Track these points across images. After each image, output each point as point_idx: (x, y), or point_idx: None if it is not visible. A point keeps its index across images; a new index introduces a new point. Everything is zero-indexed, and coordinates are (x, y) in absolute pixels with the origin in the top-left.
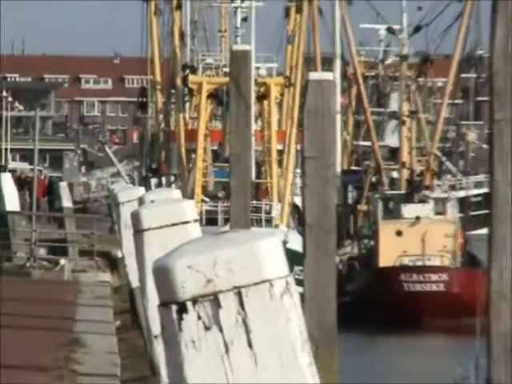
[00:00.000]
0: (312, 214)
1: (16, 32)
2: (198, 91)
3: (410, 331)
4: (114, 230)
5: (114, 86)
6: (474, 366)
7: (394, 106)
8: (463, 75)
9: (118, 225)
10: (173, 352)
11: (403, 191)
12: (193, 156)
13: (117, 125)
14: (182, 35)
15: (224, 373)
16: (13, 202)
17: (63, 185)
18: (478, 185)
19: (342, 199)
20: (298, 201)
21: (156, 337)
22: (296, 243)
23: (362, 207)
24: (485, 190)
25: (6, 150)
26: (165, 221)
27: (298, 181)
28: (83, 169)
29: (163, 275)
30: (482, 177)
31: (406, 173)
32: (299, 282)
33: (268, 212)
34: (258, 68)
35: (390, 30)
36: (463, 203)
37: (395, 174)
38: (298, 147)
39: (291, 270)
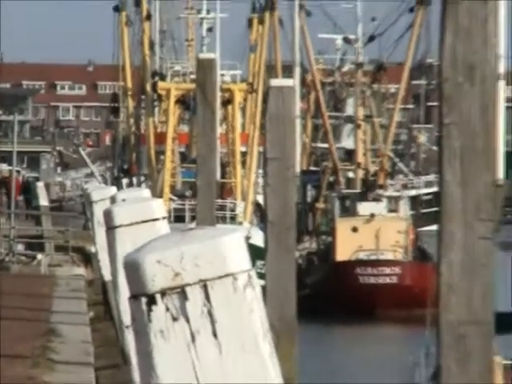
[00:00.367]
0: (273, 212)
1: None
2: (166, 97)
3: (365, 321)
4: (87, 226)
5: (88, 92)
6: (425, 354)
7: (349, 110)
8: (414, 82)
9: (91, 222)
10: (143, 341)
11: (358, 190)
12: (162, 157)
13: (90, 128)
14: (152, 44)
15: (191, 361)
16: None
17: (40, 185)
18: (429, 184)
19: (301, 198)
20: (260, 199)
21: (127, 327)
22: (258, 239)
23: (320, 205)
24: (434, 189)
25: None
26: (135, 218)
27: (261, 180)
28: (59, 169)
29: (134, 269)
30: (432, 177)
31: (361, 173)
32: (261, 276)
33: (232, 210)
34: (222, 75)
35: (346, 40)
36: (414, 201)
37: (351, 174)
38: (261, 149)
39: (254, 264)
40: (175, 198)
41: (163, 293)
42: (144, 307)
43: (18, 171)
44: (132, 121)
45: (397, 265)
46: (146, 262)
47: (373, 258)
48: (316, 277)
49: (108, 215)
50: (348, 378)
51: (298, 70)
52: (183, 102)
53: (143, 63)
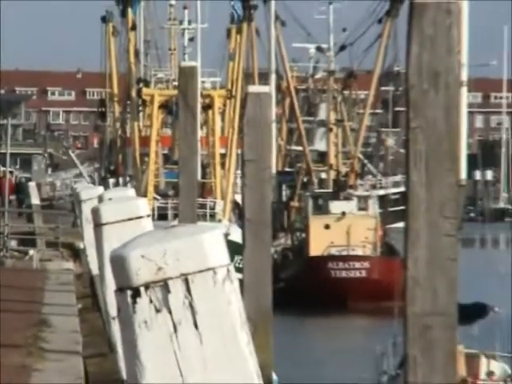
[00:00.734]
0: (251, 210)
1: None
2: (150, 102)
3: (337, 313)
4: (76, 224)
5: (77, 98)
6: (392, 344)
7: (322, 115)
8: (383, 88)
9: (80, 219)
10: (128, 331)
11: (330, 190)
12: (146, 159)
13: (79, 132)
14: (137, 53)
15: (173, 350)
16: None
17: (32, 184)
18: (396, 184)
19: (277, 197)
20: (238, 198)
21: (113, 318)
22: (237, 235)
23: (295, 204)
24: (401, 189)
25: None
26: (121, 216)
27: (239, 181)
28: (49, 170)
29: (119, 264)
30: (399, 177)
31: (333, 174)
32: (239, 270)
33: (212, 208)
34: (203, 82)
35: (318, 49)
36: (383, 200)
37: (323, 175)
38: (239, 151)
39: (232, 259)
40: (159, 197)
41: (147, 286)
42: (129, 299)
43: (11, 172)
44: (118, 125)
45: (366, 260)
46: (131, 257)
47: (344, 253)
48: (290, 271)
49: (95, 213)
50: (320, 366)
51: (273, 77)
52: (166, 107)
53: (129, 71)
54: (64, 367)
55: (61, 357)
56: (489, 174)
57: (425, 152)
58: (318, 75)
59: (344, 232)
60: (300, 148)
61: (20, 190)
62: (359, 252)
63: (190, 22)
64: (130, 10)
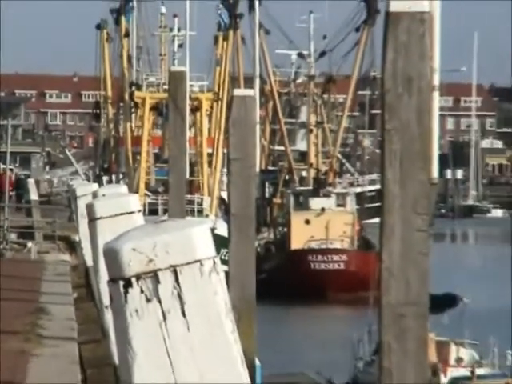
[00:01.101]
0: (236, 206)
1: None
2: (142, 104)
3: (316, 303)
4: (72, 218)
5: (73, 100)
6: (368, 331)
7: (303, 117)
8: (360, 92)
9: (75, 214)
10: (120, 319)
11: (311, 187)
12: (138, 158)
13: (75, 132)
14: (130, 58)
15: (162, 337)
16: None
17: (31, 181)
18: (372, 182)
19: (260, 193)
20: (224, 195)
21: (106, 307)
22: (223, 230)
23: (277, 200)
24: (377, 186)
25: None
26: (114, 211)
27: (225, 178)
28: (47, 168)
29: (112, 256)
30: (375, 176)
31: (313, 172)
32: (225, 262)
33: (200, 204)
34: (191, 85)
35: (300, 55)
36: (360, 197)
37: (304, 173)
38: (225, 151)
39: (218, 251)
40: (149, 193)
41: (138, 277)
42: (121, 289)
43: (11, 169)
44: (112, 125)
45: (344, 253)
46: (123, 250)
47: (323, 246)
48: (273, 263)
49: (90, 208)
50: (300, 353)
51: (257, 82)
52: (157, 109)
53: (122, 75)
54: (60, 352)
55: (57, 343)
56: (459, 173)
57: (399, 152)
58: (299, 80)
59: (323, 227)
60: (282, 148)
61: (19, 186)
62: (337, 246)
63: (179, 30)
64: (123, 18)
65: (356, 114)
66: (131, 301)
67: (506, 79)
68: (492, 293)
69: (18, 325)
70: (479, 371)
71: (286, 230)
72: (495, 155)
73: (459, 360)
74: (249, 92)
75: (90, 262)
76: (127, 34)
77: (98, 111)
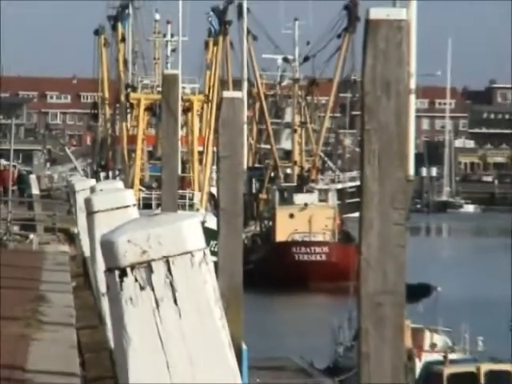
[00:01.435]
0: (225, 201)
1: None
2: (137, 105)
3: (299, 291)
4: (71, 211)
5: (73, 101)
6: (348, 318)
7: (288, 117)
8: (341, 95)
9: (74, 208)
10: (116, 306)
11: (295, 184)
12: (133, 155)
13: (74, 131)
14: (126, 62)
15: (155, 323)
16: None
17: (32, 177)
18: (352, 179)
19: (247, 189)
20: (213, 190)
21: (103, 294)
22: (212, 223)
23: (263, 196)
24: (357, 183)
25: None
26: (110, 205)
27: (214, 175)
28: (48, 164)
29: (109, 247)
30: (355, 173)
31: (297, 169)
32: (214, 253)
33: (191, 199)
34: (183, 88)
35: (285, 60)
36: (340, 193)
37: (289, 171)
38: (214, 149)
39: (208, 243)
40: (144, 188)
41: (133, 267)
42: (117, 278)
43: (14, 166)
44: (109, 125)
45: (326, 245)
46: (119, 242)
47: (306, 239)
48: (259, 254)
49: (88, 202)
50: (284, 338)
51: (245, 84)
52: (151, 109)
53: (118, 77)
54: (59, 337)
55: (56, 328)
56: (433, 171)
57: (377, 151)
58: (285, 83)
59: (306, 221)
60: (268, 146)
61: (21, 181)
62: (319, 238)
63: (172, 35)
64: (119, 24)
65: (337, 115)
66: (126, 289)
67: (477, 83)
68: (464, 283)
69: (19, 311)
70: (451, 356)
71: (271, 223)
72: (467, 154)
73: (433, 346)
74: (237, 94)
75: (87, 253)
76: (123, 39)
77: (95, 111)
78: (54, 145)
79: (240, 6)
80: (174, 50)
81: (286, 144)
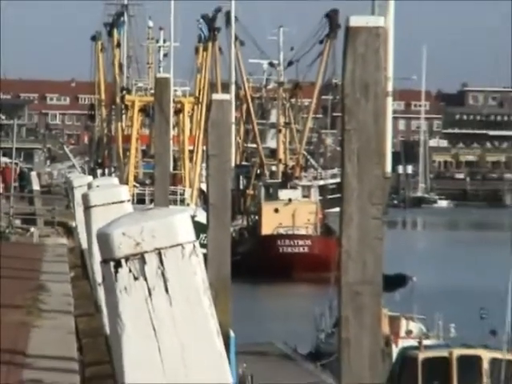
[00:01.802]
0: (214, 196)
1: None
2: (131, 107)
3: (284, 281)
4: (69, 206)
5: (71, 103)
6: (329, 307)
7: (273, 118)
8: (323, 97)
9: (72, 203)
10: (111, 295)
11: (279, 180)
12: (127, 153)
13: (73, 130)
14: (121, 66)
15: (147, 310)
16: None
17: (33, 174)
18: (333, 176)
19: (235, 185)
20: (203, 186)
21: (99, 284)
22: (202, 217)
23: (250, 191)
24: (338, 180)
25: None
26: (106, 200)
27: (204, 172)
28: (48, 162)
29: (104, 240)
30: (336, 170)
31: (281, 167)
32: (203, 246)
33: (182, 194)
34: (175, 90)
35: (270, 64)
36: (322, 189)
37: (274, 168)
38: (204, 148)
39: (198, 236)
40: (138, 185)
41: (127, 258)
42: (112, 269)
43: (16, 163)
44: (105, 125)
45: (308, 238)
46: (114, 235)
47: (290, 232)
48: (246, 247)
49: (85, 198)
50: (269, 325)
51: (233, 87)
52: (144, 110)
53: (114, 81)
54: (58, 324)
55: (55, 315)
56: (409, 169)
57: (357, 150)
58: (270, 86)
59: (290, 215)
60: (254, 145)
61: (22, 177)
62: (303, 232)
63: (164, 41)
64: (115, 30)
65: (319, 116)
66: (121, 279)
67: (450, 86)
68: (438, 273)
69: (20, 300)
70: (426, 342)
71: (257, 217)
72: (441, 153)
73: (409, 332)
74: (225, 96)
75: (85, 245)
76: (119, 45)
77: (92, 112)
78: (53, 144)
79: (228, 14)
80: (166, 55)
81: (271, 143)
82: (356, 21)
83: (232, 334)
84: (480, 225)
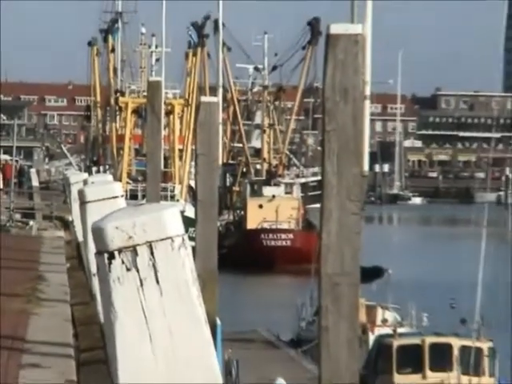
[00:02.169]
0: (202, 193)
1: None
2: (125, 108)
3: (267, 273)
4: (66, 201)
5: (68, 104)
6: (309, 297)
7: (258, 120)
8: (305, 100)
9: (69, 198)
10: (105, 285)
11: (264, 178)
12: (121, 152)
13: (69, 130)
14: (115, 70)
15: (139, 300)
16: None
17: (33, 170)
18: (314, 174)
19: (222, 183)
20: (192, 183)
21: (94, 275)
22: (190, 212)
23: (236, 188)
24: (318, 177)
25: None
26: (101, 196)
27: (193, 170)
28: (46, 160)
29: (99, 233)
30: (316, 169)
31: (265, 165)
32: (192, 239)
33: (172, 191)
34: (166, 93)
35: (256, 69)
36: (304, 186)
37: (258, 166)
38: (193, 147)
39: (187, 230)
40: (131, 181)
41: (120, 250)
42: (106, 261)
43: (16, 161)
44: (100, 125)
45: (290, 232)
46: (108, 228)
47: (273, 227)
48: (232, 240)
49: (81, 193)
50: (253, 313)
51: (220, 90)
52: (137, 112)
53: (109, 83)
54: (56, 312)
55: (53, 304)
56: (386, 167)
57: (336, 149)
58: (255, 89)
59: (274, 210)
60: (240, 145)
61: (21, 174)
62: (285, 226)
63: (156, 47)
64: (110, 36)
65: (301, 117)
66: (114, 270)
67: (424, 90)
68: (412, 266)
69: (20, 289)
70: (400, 330)
71: (242, 212)
72: (415, 153)
73: (384, 321)
74: (213, 99)
75: (80, 238)
76: (113, 50)
77: (88, 113)
78: (51, 143)
79: (216, 22)
80: (157, 60)
81: (256, 143)
82: (336, 28)
83: (218, 321)
84: (451, 220)
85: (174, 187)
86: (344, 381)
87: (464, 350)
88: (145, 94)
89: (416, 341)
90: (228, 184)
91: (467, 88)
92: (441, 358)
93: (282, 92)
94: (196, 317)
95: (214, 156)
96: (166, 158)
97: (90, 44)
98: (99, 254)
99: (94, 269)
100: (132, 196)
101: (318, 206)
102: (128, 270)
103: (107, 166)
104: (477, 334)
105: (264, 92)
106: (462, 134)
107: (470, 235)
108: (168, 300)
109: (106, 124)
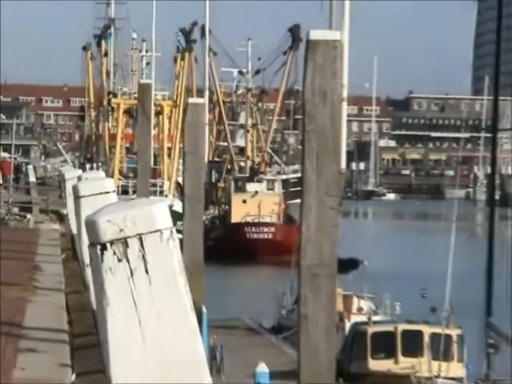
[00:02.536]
0: (189, 189)
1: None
2: (117, 109)
3: (250, 264)
4: (62, 196)
5: (64, 105)
6: (290, 286)
7: (242, 120)
8: (286, 101)
9: (64, 193)
10: (97, 275)
11: (247, 175)
12: (113, 150)
13: (65, 129)
14: (108, 73)
15: (130, 289)
16: None
17: (30, 167)
18: (295, 171)
19: (208, 179)
20: (180, 180)
21: (87, 265)
22: (178, 207)
23: (221, 184)
24: (299, 175)
25: None
26: (94, 191)
27: (181, 167)
28: (43, 157)
29: (92, 226)
30: (297, 166)
31: (249, 163)
32: (180, 232)
33: (161, 187)
34: (156, 94)
35: (240, 72)
36: (285, 183)
37: (242, 164)
38: (181, 145)
39: (175, 224)
40: (122, 178)
41: (111, 242)
42: (98, 252)
43: (15, 158)
44: (93, 125)
45: (272, 226)
46: (100, 221)
47: (256, 220)
48: (217, 233)
49: (75, 189)
50: (237, 301)
51: (207, 92)
52: (129, 112)
53: (102, 86)
54: (51, 300)
55: (49, 293)
56: (361, 165)
57: (316, 148)
58: (239, 91)
59: (256, 205)
60: (225, 144)
61: (18, 170)
62: (267, 220)
63: (147, 51)
64: (103, 41)
65: (283, 118)
66: (106, 261)
67: (398, 93)
68: (386, 257)
69: (18, 278)
70: (375, 318)
71: (227, 207)
72: (389, 152)
73: (360, 309)
74: (200, 100)
75: (75, 231)
76: (106, 54)
77: (83, 113)
78: (48, 141)
79: (203, 28)
80: (148, 63)
81: (240, 142)
82: (315, 34)
83: (204, 309)
84: (423, 215)
85: (162, 183)
86: (322, 365)
87: (434, 336)
88: (136, 95)
89: (389, 328)
90: (214, 180)
91: (439, 91)
92: (412, 344)
93: (264, 94)
94: (183, 304)
95: (200, 154)
96: (155, 156)
97: (84, 49)
98: (92, 245)
99: (87, 260)
100: (123, 191)
101: (298, 201)
102: (119, 260)
103: (100, 163)
104: (446, 321)
105: (248, 94)
106: (433, 134)
107: (441, 229)
108: (157, 289)
109: (99, 123)
